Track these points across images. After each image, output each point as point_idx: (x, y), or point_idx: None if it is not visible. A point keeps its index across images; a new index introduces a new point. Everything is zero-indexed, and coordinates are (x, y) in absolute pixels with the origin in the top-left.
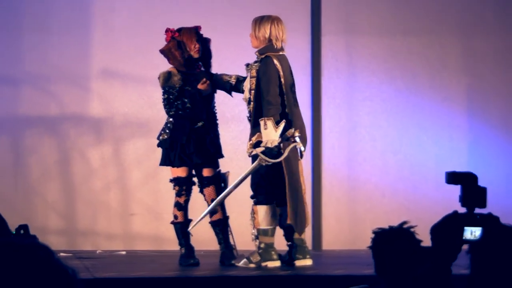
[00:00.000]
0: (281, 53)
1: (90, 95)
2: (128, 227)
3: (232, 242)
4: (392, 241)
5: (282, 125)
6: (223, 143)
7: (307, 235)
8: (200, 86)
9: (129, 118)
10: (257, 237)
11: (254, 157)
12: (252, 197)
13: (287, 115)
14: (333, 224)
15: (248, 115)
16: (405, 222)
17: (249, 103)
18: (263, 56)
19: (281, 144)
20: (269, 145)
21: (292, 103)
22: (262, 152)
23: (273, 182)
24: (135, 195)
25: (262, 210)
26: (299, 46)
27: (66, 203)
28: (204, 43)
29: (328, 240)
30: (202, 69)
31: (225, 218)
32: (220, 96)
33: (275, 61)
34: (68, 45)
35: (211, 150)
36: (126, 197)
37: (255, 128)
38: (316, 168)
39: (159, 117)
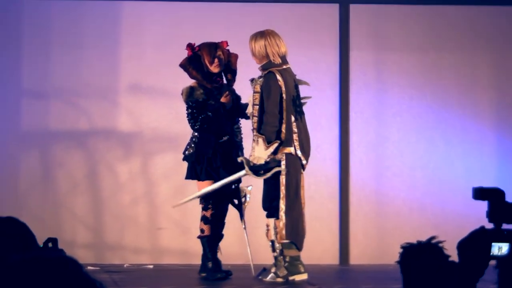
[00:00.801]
0: (284, 66)
1: (119, 110)
2: (155, 241)
3: (249, 257)
4: (420, 256)
5: (274, 145)
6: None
7: (335, 249)
8: (223, 100)
9: (158, 132)
10: (281, 252)
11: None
12: (269, 212)
13: (288, 131)
14: (360, 238)
15: (252, 128)
16: (433, 237)
17: (252, 118)
18: (266, 72)
19: (270, 163)
20: (255, 161)
21: (295, 116)
22: (249, 166)
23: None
24: (163, 209)
25: (283, 223)
26: (327, 60)
27: (94, 217)
28: (228, 58)
29: (355, 255)
30: (225, 82)
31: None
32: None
33: (278, 76)
34: (97, 60)
35: (238, 164)
36: (154, 211)
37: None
38: (343, 182)
39: (188, 131)
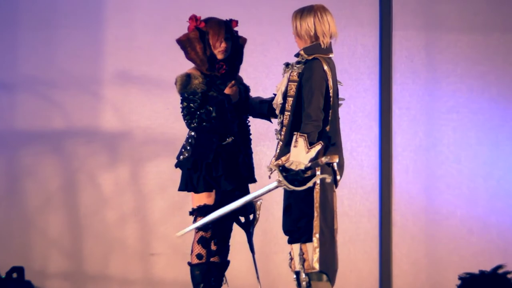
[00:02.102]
0: (330, 55)
1: (103, 105)
2: (148, 270)
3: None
4: None
5: (317, 147)
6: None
7: (373, 279)
8: (227, 91)
9: (151, 133)
10: (309, 285)
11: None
12: (293, 235)
13: (328, 133)
14: (406, 268)
15: (278, 127)
16: (500, 267)
17: (281, 112)
18: (309, 58)
19: (315, 169)
20: (293, 167)
21: (337, 118)
22: (284, 174)
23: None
24: (157, 230)
25: (312, 249)
26: (365, 43)
27: (71, 239)
28: (236, 43)
29: (399, 287)
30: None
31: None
32: None
33: (325, 66)
34: (76, 43)
35: (244, 174)
36: (146, 233)
37: (288, 146)
38: (384, 197)
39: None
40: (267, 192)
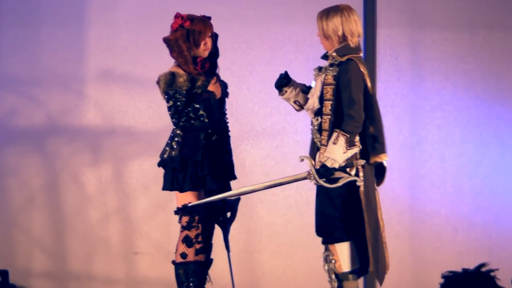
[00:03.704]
0: (360, 54)
1: (86, 103)
2: (132, 269)
3: None
4: (467, 287)
5: (355, 150)
6: (252, 163)
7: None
8: (211, 88)
9: (135, 132)
10: (340, 287)
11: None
12: (324, 234)
13: (373, 133)
14: (391, 266)
15: (316, 128)
16: (483, 265)
17: (317, 115)
18: (343, 59)
19: (346, 170)
20: (328, 163)
21: (379, 115)
22: (317, 169)
23: (350, 215)
24: (141, 229)
25: (345, 249)
26: None
27: (55, 239)
28: (214, 40)
29: (384, 286)
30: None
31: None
32: (249, 105)
33: (361, 66)
34: (59, 41)
35: (228, 172)
36: (130, 232)
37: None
38: None
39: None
40: (294, 181)
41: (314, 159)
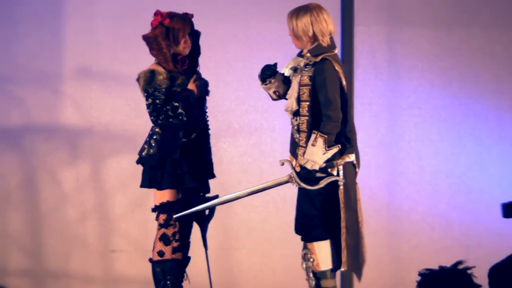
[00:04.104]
0: (335, 51)
1: (63, 101)
2: (109, 267)
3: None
4: (443, 285)
5: (334, 150)
6: (229, 160)
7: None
8: (191, 86)
9: (112, 129)
10: (318, 285)
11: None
12: (303, 232)
13: (346, 132)
14: (368, 264)
15: (296, 128)
16: (460, 262)
17: (296, 115)
18: (317, 60)
19: (327, 170)
20: (308, 166)
21: (352, 115)
22: (297, 172)
23: (330, 213)
24: (119, 227)
25: (323, 248)
26: None
27: (31, 237)
28: (196, 37)
29: (362, 285)
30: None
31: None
32: (226, 103)
33: (336, 65)
34: (35, 37)
35: (206, 171)
36: (107, 230)
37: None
38: None
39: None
40: (277, 185)
41: (296, 157)
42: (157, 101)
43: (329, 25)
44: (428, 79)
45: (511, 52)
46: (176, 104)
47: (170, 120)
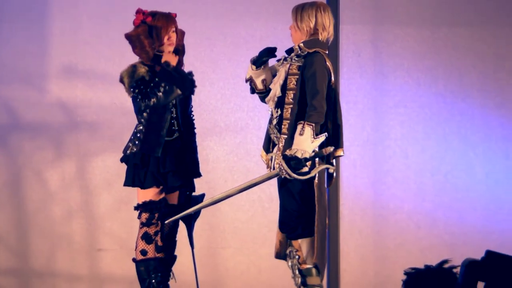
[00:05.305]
0: (326, 52)
1: (48, 99)
2: (95, 266)
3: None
4: (429, 284)
5: (321, 138)
6: (215, 159)
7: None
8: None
9: (98, 128)
10: (304, 283)
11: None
12: (288, 230)
13: (331, 129)
14: (354, 263)
15: (275, 122)
16: (445, 261)
17: (278, 106)
18: (310, 51)
19: (315, 161)
20: (298, 154)
21: (339, 113)
22: (286, 161)
23: (313, 210)
24: (104, 225)
25: (307, 245)
26: None
27: (17, 236)
28: (180, 36)
29: (348, 284)
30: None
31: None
32: (212, 102)
33: (327, 61)
34: (21, 37)
35: (191, 170)
36: (93, 228)
37: (293, 138)
38: (332, 192)
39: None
40: (267, 179)
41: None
42: (142, 87)
43: (330, 25)
44: (413, 77)
45: (496, 50)
46: (157, 79)
47: (160, 94)
